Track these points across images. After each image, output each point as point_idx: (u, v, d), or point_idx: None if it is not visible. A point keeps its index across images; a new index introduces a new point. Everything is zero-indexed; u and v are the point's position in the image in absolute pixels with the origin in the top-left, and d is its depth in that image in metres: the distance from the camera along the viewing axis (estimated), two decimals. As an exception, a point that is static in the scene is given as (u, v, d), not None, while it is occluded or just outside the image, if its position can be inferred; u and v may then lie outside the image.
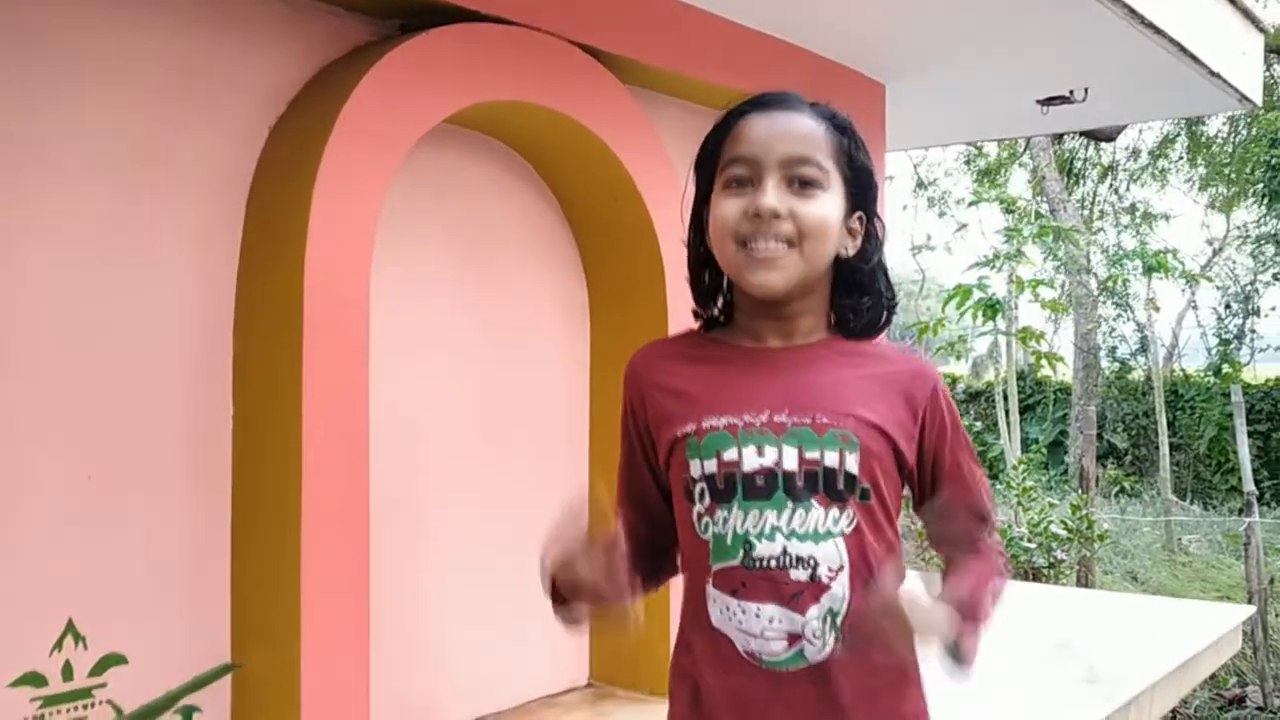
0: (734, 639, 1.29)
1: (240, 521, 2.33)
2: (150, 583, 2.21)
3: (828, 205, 1.30)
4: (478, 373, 2.99)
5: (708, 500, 1.30)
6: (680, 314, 3.05)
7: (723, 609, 1.30)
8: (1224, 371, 13.53)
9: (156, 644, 2.20)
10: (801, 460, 1.27)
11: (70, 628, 2.09)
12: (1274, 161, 13.37)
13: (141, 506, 2.20)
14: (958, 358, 11.28)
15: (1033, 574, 6.58)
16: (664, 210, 3.07)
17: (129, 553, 2.18)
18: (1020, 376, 13.52)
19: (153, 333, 2.22)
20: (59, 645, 2.07)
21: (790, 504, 1.27)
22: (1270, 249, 15.14)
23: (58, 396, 2.08)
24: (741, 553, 1.28)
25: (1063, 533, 6.79)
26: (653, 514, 1.45)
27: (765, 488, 1.27)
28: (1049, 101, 4.34)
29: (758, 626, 1.27)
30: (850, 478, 1.27)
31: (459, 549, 2.93)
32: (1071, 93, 4.23)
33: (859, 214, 1.36)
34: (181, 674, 2.19)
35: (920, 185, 18.21)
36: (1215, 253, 16.41)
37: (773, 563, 1.27)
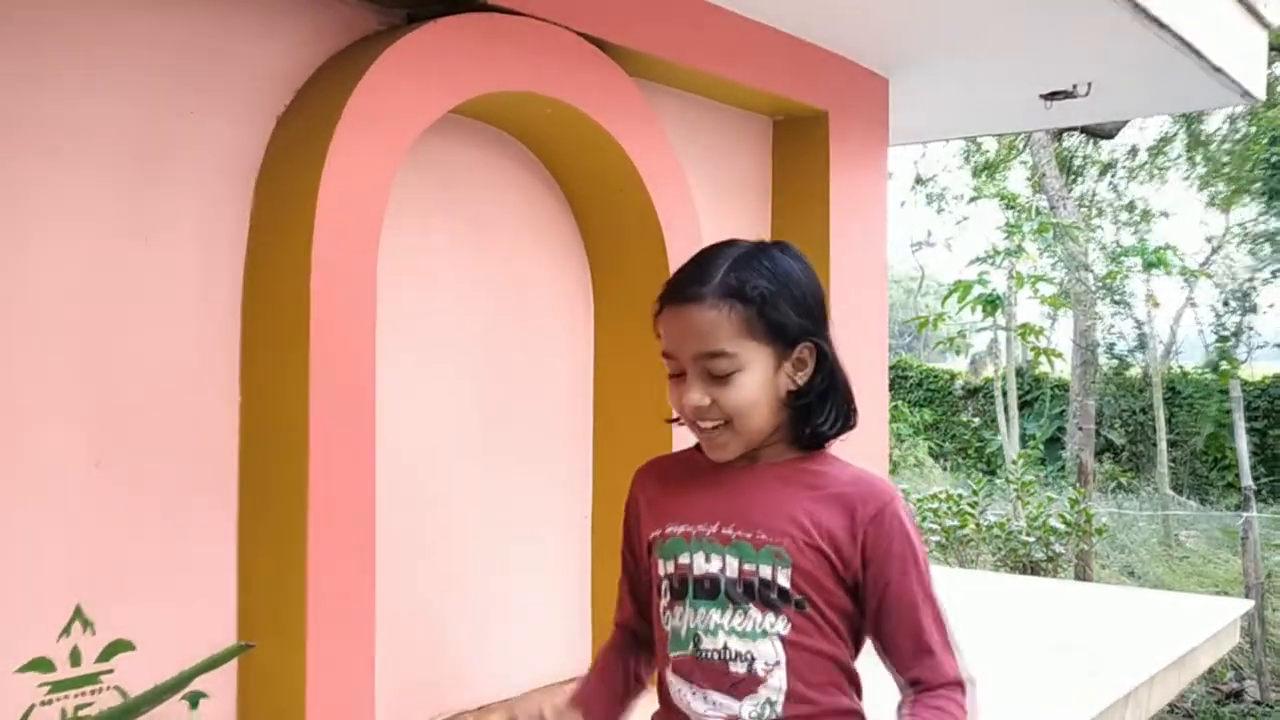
0: (690, 718, 1.45)
1: (247, 508, 2.34)
2: (157, 569, 2.22)
3: (746, 384, 1.42)
4: (482, 360, 3.00)
5: (669, 596, 1.49)
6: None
7: (678, 691, 1.47)
8: (1221, 368, 13.55)
9: (164, 630, 2.21)
10: (740, 570, 1.42)
11: (78, 613, 2.09)
12: (1273, 159, 13.40)
13: (149, 493, 2.21)
14: (958, 353, 11.30)
15: (1031, 567, 6.61)
16: (668, 201, 3.08)
17: (136, 539, 2.19)
18: (1018, 373, 13.55)
19: (160, 318, 2.22)
20: (66, 631, 2.08)
21: (731, 606, 1.43)
22: (1268, 247, 15.18)
23: (66, 382, 2.08)
24: (692, 645, 1.45)
25: (1061, 526, 6.81)
26: (644, 604, 1.62)
27: (710, 590, 1.44)
28: (1052, 96, 4.34)
29: (703, 708, 1.43)
30: (783, 590, 1.41)
31: (462, 537, 2.94)
32: (1075, 87, 4.24)
33: (804, 346, 1.45)
34: (188, 661, 2.19)
35: (919, 181, 18.22)
36: (1214, 250, 16.44)
37: (715, 655, 1.43)
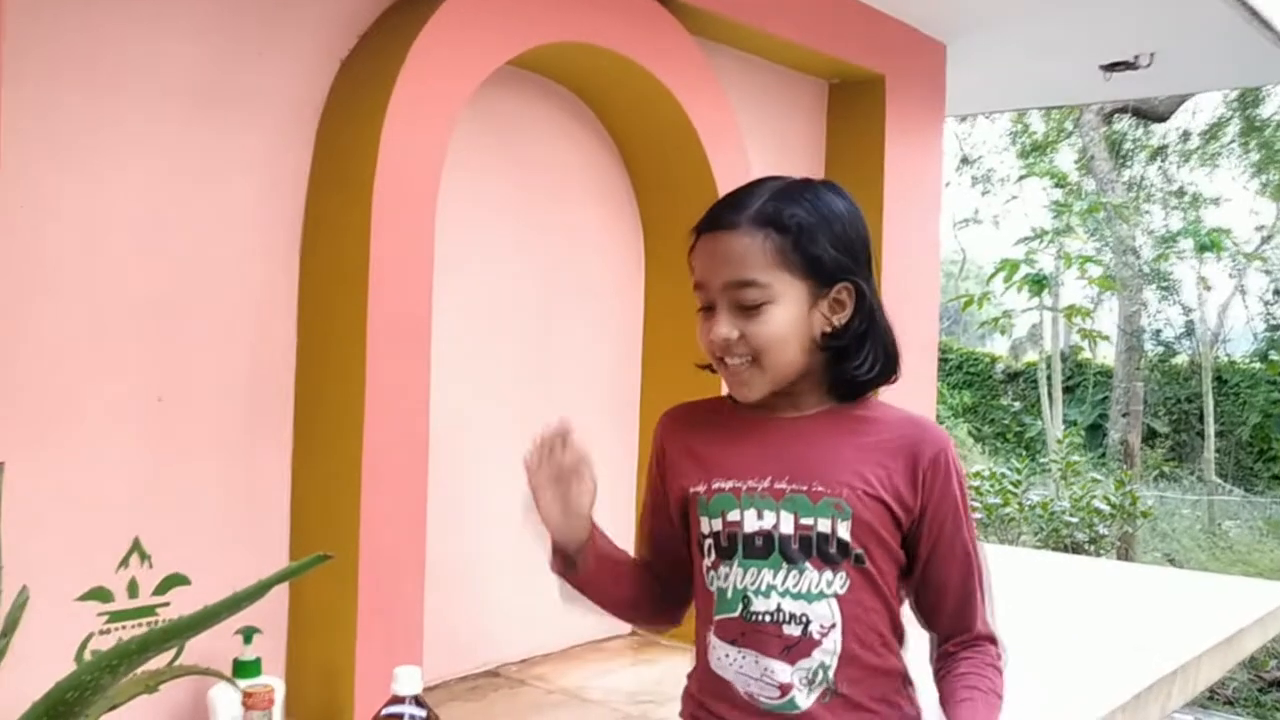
0: (734, 682, 1.39)
1: (301, 447, 2.36)
2: (213, 506, 2.25)
3: (776, 317, 1.35)
4: (533, 310, 3.00)
5: (713, 556, 1.41)
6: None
7: (722, 655, 1.40)
8: (1270, 358, 13.32)
9: (217, 567, 2.23)
10: (797, 525, 1.36)
11: (136, 546, 2.12)
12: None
13: (207, 429, 2.23)
14: (1001, 333, 11.18)
15: (1073, 548, 6.54)
16: (723, 160, 3.05)
17: (194, 475, 2.21)
18: (1060, 359, 13.40)
19: (221, 257, 2.24)
20: (125, 563, 2.11)
21: (785, 565, 1.36)
22: (1322, 236, 14.85)
23: (130, 320, 2.10)
24: (741, 606, 1.38)
25: (1105, 508, 6.73)
26: (662, 550, 1.57)
27: (763, 548, 1.37)
28: (1112, 67, 4.25)
29: (755, 672, 1.37)
30: (843, 544, 1.35)
31: (508, 489, 2.93)
32: (1136, 58, 4.14)
33: (842, 286, 1.38)
34: (242, 597, 2.22)
35: (964, 161, 18.00)
36: (1264, 240, 16.13)
37: (767, 618, 1.36)
